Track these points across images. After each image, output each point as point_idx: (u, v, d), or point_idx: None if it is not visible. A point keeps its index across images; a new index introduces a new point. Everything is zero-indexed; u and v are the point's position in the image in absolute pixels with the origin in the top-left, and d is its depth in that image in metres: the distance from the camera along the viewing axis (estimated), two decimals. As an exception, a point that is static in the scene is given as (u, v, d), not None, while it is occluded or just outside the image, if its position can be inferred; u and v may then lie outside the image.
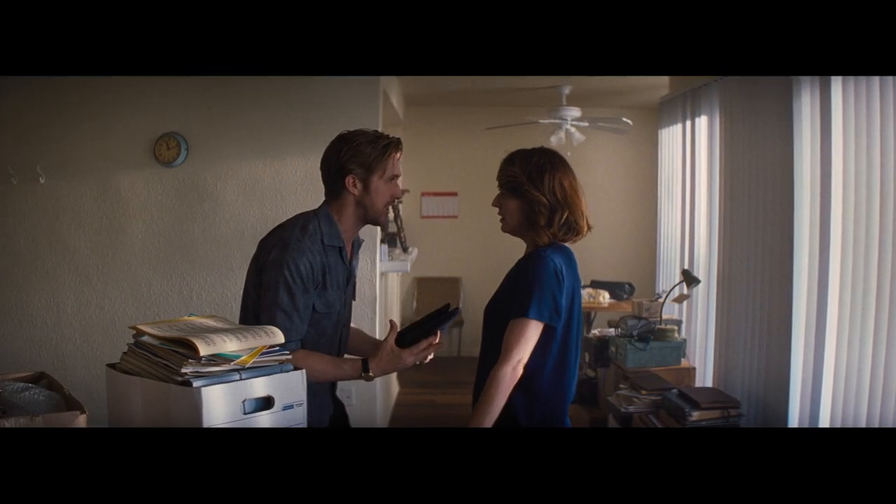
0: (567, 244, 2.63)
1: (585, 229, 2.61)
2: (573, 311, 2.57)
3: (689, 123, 5.82)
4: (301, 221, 2.53)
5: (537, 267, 2.51)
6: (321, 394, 2.60)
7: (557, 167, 2.57)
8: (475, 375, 2.65)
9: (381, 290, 5.18)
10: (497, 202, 2.64)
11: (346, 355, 2.69)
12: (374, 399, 5.07)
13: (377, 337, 4.97)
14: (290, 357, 1.96)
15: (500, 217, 2.65)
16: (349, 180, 2.51)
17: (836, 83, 3.65)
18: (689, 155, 5.79)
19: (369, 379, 2.48)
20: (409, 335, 2.50)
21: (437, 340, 2.47)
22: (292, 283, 2.40)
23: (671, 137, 6.38)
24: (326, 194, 2.60)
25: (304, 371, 1.96)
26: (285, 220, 2.60)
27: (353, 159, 2.49)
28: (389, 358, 2.45)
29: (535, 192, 2.53)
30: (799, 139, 3.93)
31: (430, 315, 2.58)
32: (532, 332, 2.47)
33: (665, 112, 6.57)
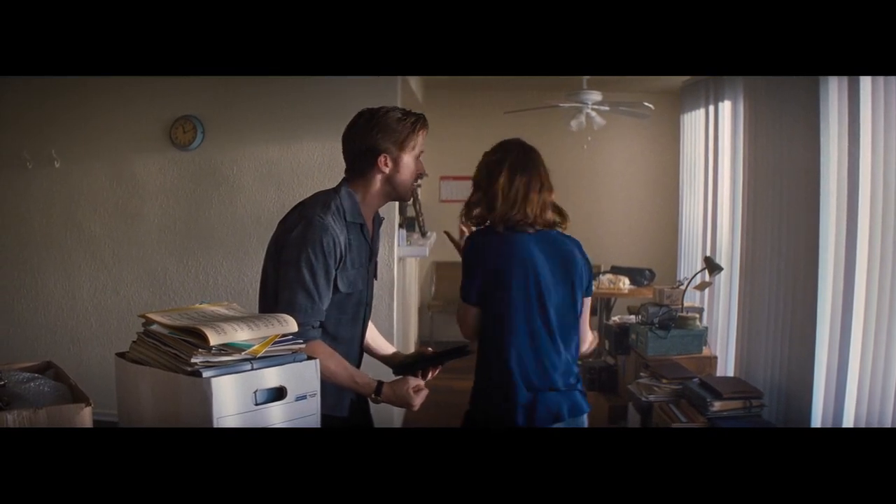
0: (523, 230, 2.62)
1: (505, 213, 2.61)
2: (509, 290, 2.56)
3: (711, 109, 5.73)
4: (322, 199, 2.47)
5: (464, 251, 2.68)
6: None
7: (492, 152, 2.79)
8: None
9: (400, 275, 5.14)
10: None
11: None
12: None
13: (393, 326, 4.97)
14: (303, 346, 1.90)
15: None
16: (382, 159, 2.44)
17: (865, 81, 3.55)
18: (713, 141, 5.70)
19: (376, 401, 2.44)
20: (415, 363, 2.57)
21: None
22: (315, 261, 2.33)
23: (693, 123, 6.28)
24: (349, 172, 2.52)
25: (317, 361, 1.90)
26: (304, 198, 2.54)
27: (387, 138, 2.43)
28: (404, 394, 2.42)
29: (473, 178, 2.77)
30: (826, 130, 3.85)
31: (442, 352, 2.58)
32: (462, 312, 2.66)
33: (687, 97, 6.47)
